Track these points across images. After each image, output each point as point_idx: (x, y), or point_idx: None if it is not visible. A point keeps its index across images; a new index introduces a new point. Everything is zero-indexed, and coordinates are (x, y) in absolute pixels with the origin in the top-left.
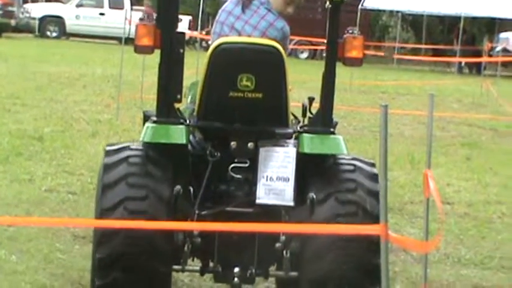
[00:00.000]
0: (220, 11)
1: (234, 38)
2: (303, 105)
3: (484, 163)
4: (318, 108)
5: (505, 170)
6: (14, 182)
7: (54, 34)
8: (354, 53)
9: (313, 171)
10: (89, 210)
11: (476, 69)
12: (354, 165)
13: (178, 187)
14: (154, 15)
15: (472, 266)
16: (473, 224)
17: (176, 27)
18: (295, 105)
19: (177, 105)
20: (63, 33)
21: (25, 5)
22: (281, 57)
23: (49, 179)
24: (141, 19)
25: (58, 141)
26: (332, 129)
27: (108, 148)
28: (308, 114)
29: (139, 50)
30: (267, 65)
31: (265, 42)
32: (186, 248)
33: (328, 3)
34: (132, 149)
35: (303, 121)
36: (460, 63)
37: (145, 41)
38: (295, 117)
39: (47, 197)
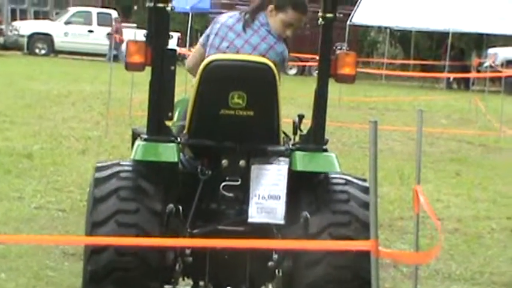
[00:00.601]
0: (217, 24)
1: (225, 55)
2: (293, 123)
3: (473, 178)
4: (310, 126)
5: (494, 186)
6: (3, 199)
7: (43, 51)
8: (347, 70)
9: (305, 188)
10: (78, 228)
11: (464, 84)
12: (346, 179)
13: (170, 206)
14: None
15: (462, 282)
16: (463, 239)
17: (167, 44)
18: (284, 121)
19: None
20: (52, 50)
21: (14, 23)
22: (273, 75)
23: (38, 197)
24: (109, 34)
25: (47, 159)
26: (324, 147)
27: (98, 164)
28: (299, 131)
29: (131, 67)
30: (258, 83)
31: (256, 59)
32: (177, 267)
33: (320, 20)
34: (122, 165)
35: (294, 139)
36: (448, 78)
37: (136, 58)
38: (286, 135)
39: (37, 215)
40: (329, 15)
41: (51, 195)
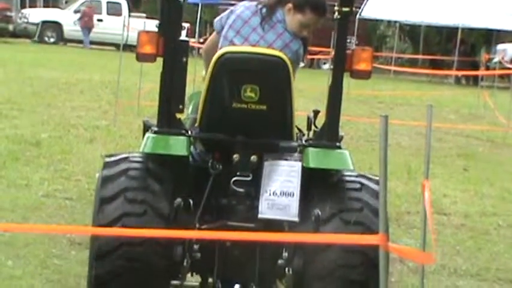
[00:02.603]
0: (233, 15)
1: (238, 48)
2: (308, 118)
3: (481, 174)
4: (324, 122)
5: (501, 182)
6: (10, 187)
7: (52, 40)
8: (363, 66)
9: (318, 186)
10: (85, 216)
11: (473, 80)
12: (361, 183)
13: (178, 200)
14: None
15: (468, 277)
16: (470, 235)
17: (180, 35)
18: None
19: (178, 115)
20: (61, 38)
21: (23, 10)
22: (287, 69)
23: (46, 185)
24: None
25: (55, 147)
26: (338, 144)
27: (107, 159)
28: (313, 127)
29: (142, 58)
30: (272, 76)
31: (270, 52)
32: (185, 263)
33: (336, 14)
34: (131, 161)
35: (308, 134)
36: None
37: (148, 49)
38: (300, 131)
39: (44, 203)
40: (345, 9)
41: (59, 183)
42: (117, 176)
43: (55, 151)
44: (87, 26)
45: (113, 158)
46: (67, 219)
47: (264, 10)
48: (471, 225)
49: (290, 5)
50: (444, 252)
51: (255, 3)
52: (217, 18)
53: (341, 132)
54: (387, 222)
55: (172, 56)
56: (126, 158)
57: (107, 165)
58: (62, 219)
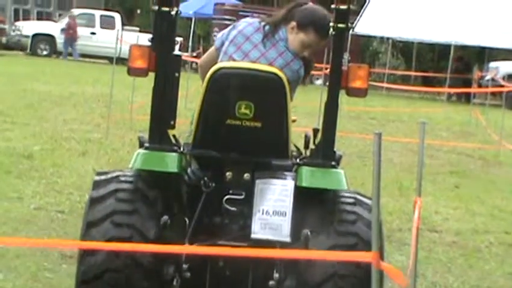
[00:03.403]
0: (234, 30)
1: (233, 63)
2: (305, 136)
3: (472, 192)
4: (319, 140)
5: (492, 199)
6: (2, 199)
7: (45, 52)
8: (358, 83)
9: (312, 205)
10: (77, 229)
11: (465, 97)
12: (355, 198)
13: (166, 218)
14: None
15: None
16: (461, 252)
17: (173, 49)
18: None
19: (176, 130)
20: (54, 51)
21: (16, 23)
22: (282, 85)
23: (38, 198)
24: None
25: (47, 160)
26: (334, 163)
27: (96, 178)
28: (311, 146)
29: (133, 72)
30: (267, 93)
31: (265, 68)
32: (175, 282)
33: (332, 30)
34: (120, 181)
35: (305, 153)
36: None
37: (139, 63)
38: (298, 149)
39: (36, 216)
40: (341, 25)
41: (51, 196)
42: (105, 198)
43: (47, 164)
44: (71, 38)
45: (102, 177)
46: (59, 232)
47: (267, 27)
48: (462, 242)
49: (294, 24)
50: (435, 270)
51: (257, 20)
52: (220, 34)
53: (339, 152)
54: (382, 239)
55: (165, 71)
56: (115, 178)
57: (95, 185)
58: (54, 232)
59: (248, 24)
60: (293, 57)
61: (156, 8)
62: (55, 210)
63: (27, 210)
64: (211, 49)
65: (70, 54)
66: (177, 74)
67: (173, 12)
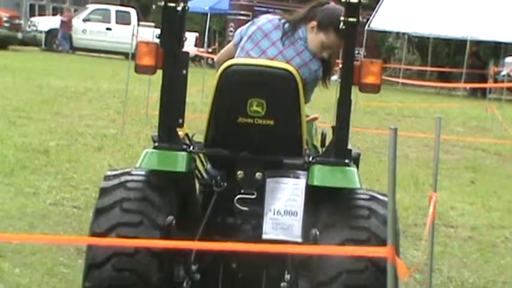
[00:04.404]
0: (254, 26)
1: (245, 60)
2: (322, 134)
3: (488, 187)
4: (332, 138)
5: (508, 195)
6: (18, 195)
7: (60, 48)
8: (371, 79)
9: (324, 204)
10: None
11: (481, 92)
12: (369, 195)
13: (170, 218)
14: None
15: None
16: (477, 247)
17: (182, 46)
18: None
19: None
20: (70, 47)
21: (32, 18)
22: (295, 82)
23: (54, 193)
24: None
25: (63, 155)
26: (347, 161)
27: (108, 173)
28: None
29: (140, 69)
30: (279, 90)
31: (278, 65)
32: (185, 284)
33: (342, 24)
34: (131, 174)
35: (321, 151)
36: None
37: (147, 61)
38: (315, 147)
39: (52, 211)
40: (352, 19)
41: (67, 191)
42: (115, 188)
43: (63, 159)
44: (67, 32)
45: (113, 172)
46: (74, 227)
47: (286, 25)
48: (478, 237)
49: (314, 23)
50: (451, 265)
51: (278, 16)
52: (239, 29)
53: (357, 150)
54: (398, 235)
55: (173, 68)
56: (127, 173)
57: (106, 178)
58: (70, 228)
59: (268, 21)
60: (312, 57)
61: (163, 3)
62: (71, 206)
63: (43, 206)
64: (229, 45)
65: (90, 50)
66: (184, 72)
67: (180, 8)
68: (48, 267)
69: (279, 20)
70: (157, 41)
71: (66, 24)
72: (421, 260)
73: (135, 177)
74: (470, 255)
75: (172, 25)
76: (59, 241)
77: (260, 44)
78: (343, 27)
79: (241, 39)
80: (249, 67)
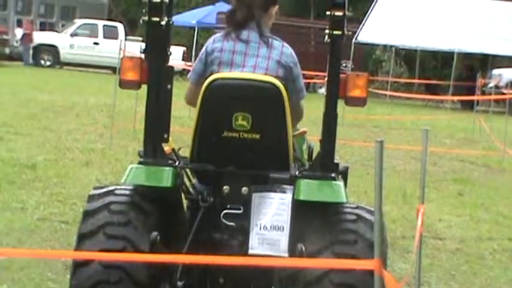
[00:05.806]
0: (214, 52)
1: (229, 74)
2: (308, 148)
3: (476, 199)
4: (318, 152)
5: (496, 206)
6: (6, 210)
7: (48, 63)
8: (357, 92)
9: (311, 220)
10: None
11: (469, 104)
12: (356, 214)
13: (154, 233)
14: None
15: None
16: (465, 259)
17: (166, 61)
18: None
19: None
20: (57, 62)
21: (16, 32)
22: (280, 95)
23: (41, 208)
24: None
25: (51, 170)
26: (334, 174)
27: (92, 192)
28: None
29: (125, 84)
30: (264, 103)
31: (263, 78)
32: None
33: (327, 37)
34: (115, 194)
35: (308, 165)
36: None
37: (131, 76)
38: (301, 162)
39: (39, 226)
40: (336, 32)
41: (54, 206)
42: (99, 211)
43: (51, 174)
44: (28, 43)
45: (97, 191)
46: (62, 243)
47: (236, 31)
48: (466, 249)
49: (277, 7)
50: (439, 277)
51: (220, 33)
52: (191, 71)
53: (345, 164)
54: (386, 248)
55: (158, 83)
56: (110, 192)
57: (90, 198)
58: (57, 243)
59: (218, 40)
60: (280, 42)
61: (147, 18)
62: (58, 221)
63: (30, 221)
64: (191, 87)
65: (78, 65)
66: (169, 86)
67: (164, 23)
68: (36, 282)
69: (227, 34)
70: (142, 55)
71: (28, 37)
72: (410, 273)
73: (119, 198)
74: (458, 268)
75: (157, 40)
76: (46, 255)
77: (234, 61)
78: (328, 40)
79: (199, 76)
80: (234, 81)
